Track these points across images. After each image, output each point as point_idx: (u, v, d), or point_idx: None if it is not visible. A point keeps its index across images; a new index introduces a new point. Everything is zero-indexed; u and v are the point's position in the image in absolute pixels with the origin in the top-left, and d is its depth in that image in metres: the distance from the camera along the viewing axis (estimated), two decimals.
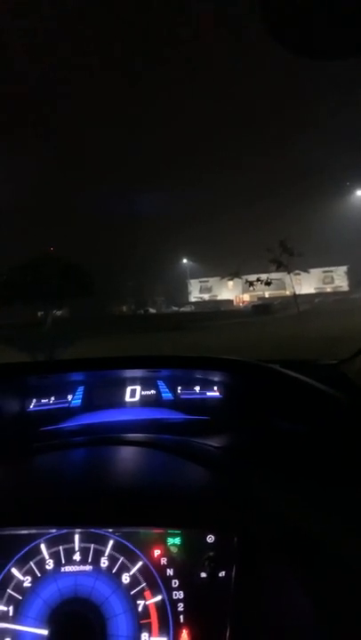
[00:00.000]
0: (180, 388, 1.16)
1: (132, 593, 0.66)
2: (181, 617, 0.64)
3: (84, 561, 0.67)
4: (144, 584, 0.66)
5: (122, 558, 0.67)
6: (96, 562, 0.67)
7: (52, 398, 1.14)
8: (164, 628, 0.64)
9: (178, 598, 0.65)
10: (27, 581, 0.66)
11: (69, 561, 0.67)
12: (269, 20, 0.49)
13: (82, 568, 0.67)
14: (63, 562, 0.67)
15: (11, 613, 0.64)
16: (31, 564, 0.66)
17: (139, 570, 0.66)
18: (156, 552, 0.67)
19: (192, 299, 41.47)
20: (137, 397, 1.16)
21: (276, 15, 0.49)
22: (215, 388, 1.15)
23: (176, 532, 0.67)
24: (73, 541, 0.67)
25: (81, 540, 0.67)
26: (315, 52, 0.54)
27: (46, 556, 0.67)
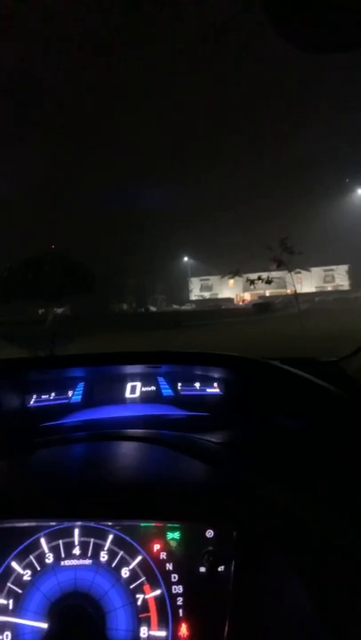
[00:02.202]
0: (180, 384, 1.17)
1: (131, 587, 0.66)
2: (180, 611, 0.65)
3: (83, 555, 0.67)
4: (143, 578, 0.66)
5: (121, 552, 0.67)
6: (96, 556, 0.67)
7: (53, 394, 1.14)
8: (163, 622, 0.64)
9: (177, 592, 0.65)
10: (26, 575, 0.66)
11: (69, 555, 0.67)
12: (272, 13, 0.49)
13: (81, 562, 0.67)
14: (63, 556, 0.67)
15: (11, 607, 0.65)
16: (31, 557, 0.67)
17: (138, 564, 0.67)
18: (156, 546, 0.67)
19: (193, 297, 41.50)
20: (137, 394, 1.16)
21: (278, 7, 0.49)
22: (215, 384, 1.15)
23: (175, 526, 0.67)
24: (73, 535, 0.68)
25: (81, 534, 0.68)
26: (317, 46, 0.54)
27: (46, 550, 0.67)
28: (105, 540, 0.68)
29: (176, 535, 0.67)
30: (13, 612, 0.64)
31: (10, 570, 0.66)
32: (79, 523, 0.68)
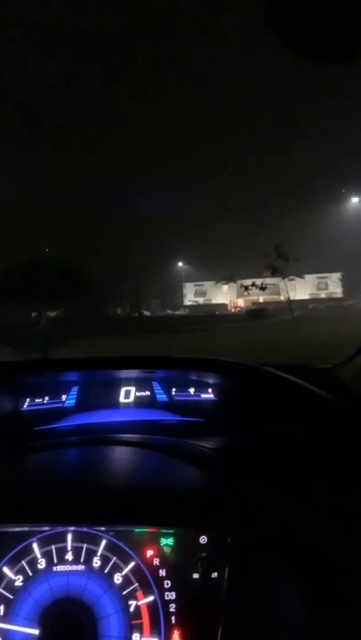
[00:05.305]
0: (174, 389, 1.17)
1: (123, 593, 0.65)
2: (173, 618, 0.64)
3: (76, 560, 0.66)
4: (136, 584, 0.66)
5: (114, 558, 0.66)
6: (88, 562, 0.66)
7: (46, 398, 1.13)
8: (155, 629, 0.64)
9: (170, 599, 0.65)
10: (18, 580, 0.65)
11: (62, 560, 0.66)
12: (273, 22, 0.50)
13: (74, 568, 0.66)
14: (55, 561, 0.66)
15: (1, 612, 0.64)
16: (23, 562, 0.66)
17: (131, 570, 0.66)
18: (149, 552, 0.67)
19: (187, 302, 41.48)
20: (131, 398, 1.16)
21: (279, 16, 0.50)
22: (210, 389, 1.15)
23: (169, 531, 0.67)
24: (65, 541, 0.67)
25: (73, 540, 0.67)
26: (317, 55, 0.55)
27: (38, 555, 0.66)
28: (98, 545, 0.67)
29: (170, 541, 0.67)
30: (4, 618, 0.63)
31: (1, 575, 0.65)
32: (72, 528, 0.67)
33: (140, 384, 1.17)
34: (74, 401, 1.14)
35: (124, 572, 0.66)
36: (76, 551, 0.67)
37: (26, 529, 0.66)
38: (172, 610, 0.64)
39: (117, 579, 0.66)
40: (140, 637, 0.63)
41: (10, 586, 0.65)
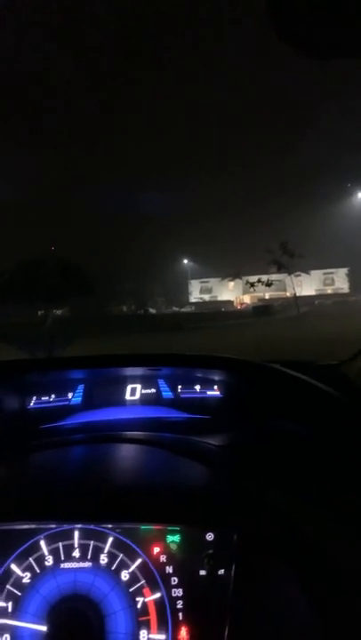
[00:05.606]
0: (180, 386, 1.16)
1: (131, 590, 0.66)
2: (180, 614, 0.64)
3: (83, 558, 0.67)
4: (143, 581, 0.66)
5: (121, 555, 0.67)
6: (95, 559, 0.67)
7: (53, 396, 1.14)
8: (162, 625, 0.64)
9: (177, 596, 0.65)
10: (26, 577, 0.66)
11: (69, 557, 0.67)
12: (274, 18, 0.49)
13: (81, 565, 0.66)
14: (62, 558, 0.67)
15: (10, 609, 0.64)
16: (30, 560, 0.66)
17: (138, 567, 0.66)
18: (156, 549, 0.67)
19: (192, 299, 41.51)
20: (137, 396, 1.16)
21: (281, 12, 0.49)
22: (216, 387, 1.15)
23: (175, 529, 0.67)
24: (72, 538, 0.67)
25: (80, 537, 0.67)
26: (319, 52, 0.54)
27: (46, 553, 0.67)
28: (105, 542, 0.67)
29: (176, 538, 0.67)
30: (12, 615, 0.64)
31: (9, 572, 0.66)
32: (79, 525, 0.67)
33: (146, 381, 1.17)
34: (80, 399, 1.14)
35: (130, 569, 0.66)
36: (83, 548, 0.67)
37: (33, 526, 0.67)
38: (179, 606, 0.65)
39: (124, 576, 0.66)
40: (148, 634, 0.64)
41: (18, 583, 0.65)
